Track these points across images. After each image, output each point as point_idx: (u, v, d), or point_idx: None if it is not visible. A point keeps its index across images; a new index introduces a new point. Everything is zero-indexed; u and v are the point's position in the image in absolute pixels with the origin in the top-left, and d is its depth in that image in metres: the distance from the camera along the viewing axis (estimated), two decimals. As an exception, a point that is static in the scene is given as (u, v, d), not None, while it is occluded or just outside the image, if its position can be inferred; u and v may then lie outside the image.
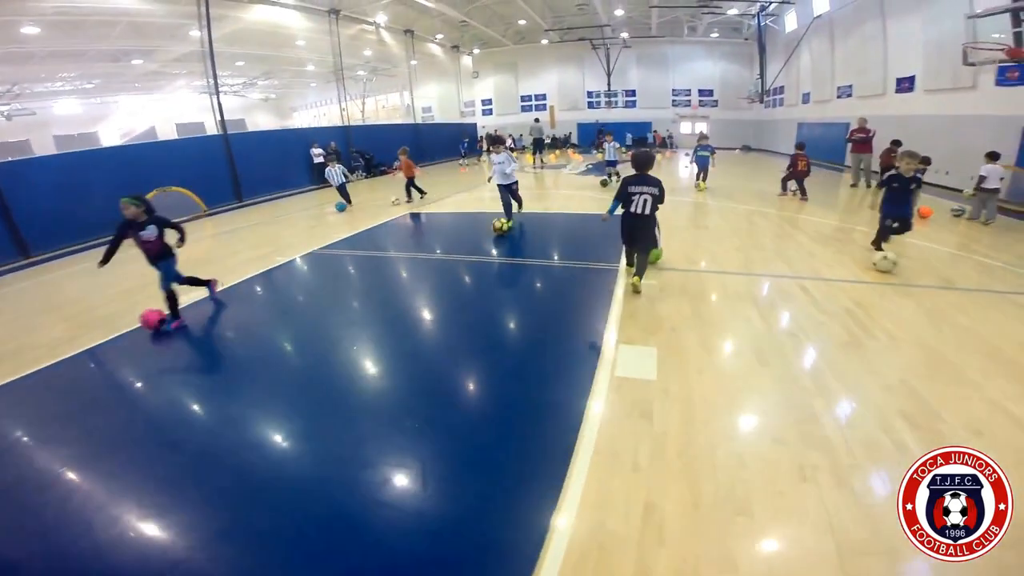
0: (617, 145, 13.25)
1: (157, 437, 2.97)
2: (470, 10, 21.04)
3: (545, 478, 2.38)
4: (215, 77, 12.56)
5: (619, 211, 4.72)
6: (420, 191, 11.47)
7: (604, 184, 12.36)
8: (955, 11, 10.19)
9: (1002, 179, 7.55)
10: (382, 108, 31.06)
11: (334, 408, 3.17)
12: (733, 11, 21.46)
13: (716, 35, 25.51)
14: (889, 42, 13.70)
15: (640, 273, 4.76)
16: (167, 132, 27.42)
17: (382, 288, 5.78)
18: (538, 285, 5.46)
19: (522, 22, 24.03)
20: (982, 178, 7.42)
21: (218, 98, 12.76)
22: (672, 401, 3.01)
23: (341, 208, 10.65)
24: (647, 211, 4.50)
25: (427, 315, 4.81)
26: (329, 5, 16.27)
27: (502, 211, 7.75)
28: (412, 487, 2.42)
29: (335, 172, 10.87)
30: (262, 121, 33.57)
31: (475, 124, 28.57)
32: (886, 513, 2.08)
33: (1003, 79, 9.60)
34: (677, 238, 6.95)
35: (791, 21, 20.29)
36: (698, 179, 11.81)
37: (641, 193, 4.49)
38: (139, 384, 3.74)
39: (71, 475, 2.66)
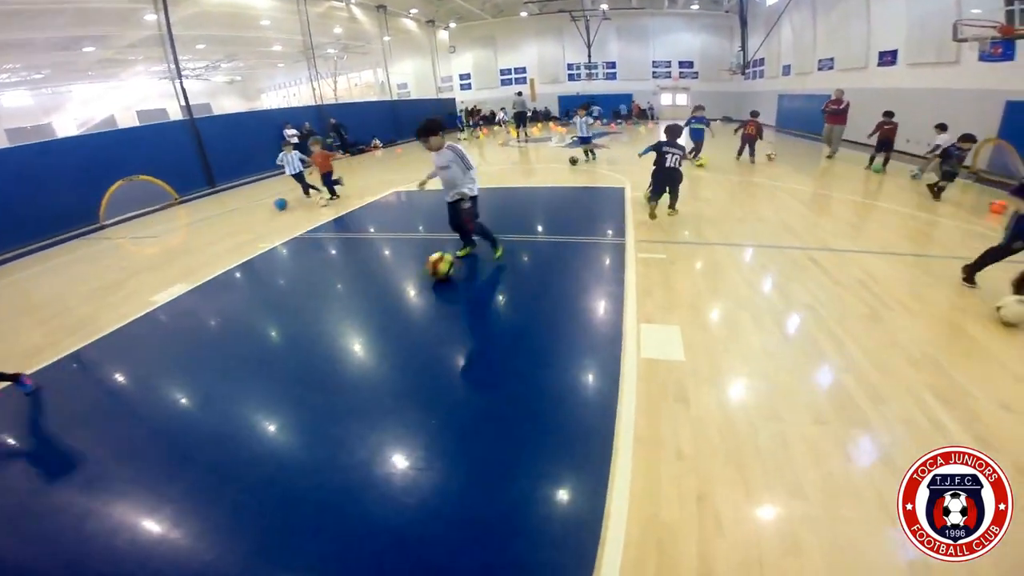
0: (591, 120, 11.97)
1: (162, 446, 2.77)
2: (445, -18, 20.27)
3: (590, 471, 2.28)
4: (176, 62, 11.87)
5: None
6: (332, 190, 9.20)
7: (573, 163, 11.18)
8: None
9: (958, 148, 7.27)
10: (355, 86, 30.08)
11: (361, 404, 2.99)
12: (713, -18, 21.18)
13: (696, 7, 25.26)
14: (872, 16, 13.74)
15: (673, 204, 6.63)
16: (128, 120, 26.07)
17: (378, 274, 5.52)
18: (546, 263, 5.28)
19: (499, -6, 23.32)
20: (937, 147, 8.25)
21: (181, 83, 12.07)
22: (704, 382, 2.93)
23: (281, 206, 8.85)
24: (679, 165, 6.29)
25: (434, 301, 4.59)
26: (296, -20, 15.44)
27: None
28: (453, 487, 2.29)
29: (291, 159, 9.25)
30: (228, 104, 32.14)
31: (454, 100, 27.94)
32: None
33: (987, 54, 9.71)
34: (681, 212, 6.81)
35: (773, -8, 20.11)
36: (691, 155, 10.73)
37: (673, 153, 6.23)
38: (132, 387, 3.49)
39: (83, 486, 2.45)
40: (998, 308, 3.47)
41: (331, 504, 2.23)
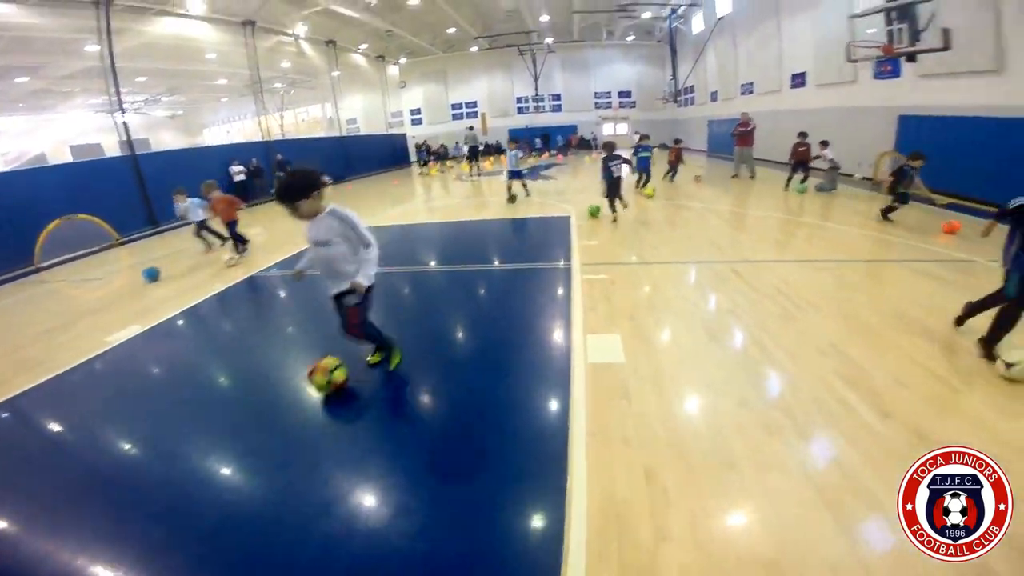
0: (521, 154, 11.21)
1: (114, 487, 2.78)
2: (396, 19, 20.82)
3: (551, 462, 2.52)
4: (119, 95, 11.63)
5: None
6: (239, 242, 7.85)
7: (512, 200, 10.49)
8: (839, 11, 11.28)
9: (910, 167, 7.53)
10: (302, 121, 29.98)
11: (333, 434, 3.10)
12: (647, 14, 22.87)
13: (632, 38, 27.08)
14: (783, 41, 14.89)
15: (615, 209, 8.15)
16: (60, 155, 24.76)
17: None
18: (502, 289, 5.59)
19: (451, 30, 24.17)
20: (831, 161, 9.99)
21: (123, 117, 11.83)
22: (643, 380, 3.26)
23: (152, 276, 6.86)
24: (622, 174, 7.85)
25: (396, 335, 4.77)
26: (244, 16, 15.52)
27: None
28: (429, 487, 2.46)
29: (191, 207, 8.08)
30: (168, 139, 31.14)
31: (404, 135, 28.29)
32: (850, 460, 2.42)
33: (879, 73, 10.99)
34: (619, 235, 7.36)
35: (698, 23, 21.76)
36: (639, 184, 11.01)
37: (617, 164, 7.86)
38: (85, 430, 3.44)
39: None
40: (1008, 365, 2.89)
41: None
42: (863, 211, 8.10)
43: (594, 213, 8.56)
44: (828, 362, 3.36)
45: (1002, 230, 3.21)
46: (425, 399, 3.37)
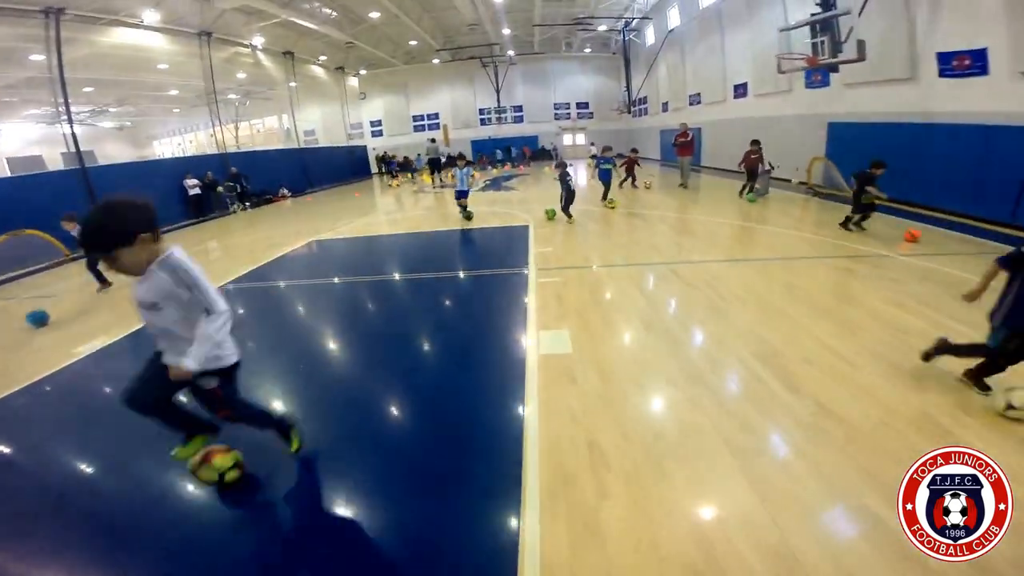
0: (472, 173, 10.63)
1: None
2: (357, 32, 20.86)
3: (508, 436, 2.87)
4: (68, 106, 11.34)
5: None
6: (100, 279, 7.12)
7: (468, 219, 9.96)
8: (774, 24, 12.03)
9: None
10: (258, 132, 29.40)
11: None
12: (603, 27, 23.72)
13: (589, 50, 27.95)
14: (727, 53, 15.72)
15: (570, 214, 9.14)
16: (-3, 169, 23.49)
17: (300, 321, 5.76)
18: (465, 294, 5.93)
19: (413, 43, 24.36)
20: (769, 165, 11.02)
21: (72, 128, 11.51)
22: (588, 366, 3.65)
23: (39, 320, 5.78)
24: (574, 183, 9.03)
25: (370, 338, 5.02)
26: (199, 27, 15.33)
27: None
28: (409, 450, 2.73)
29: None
30: (115, 151, 29.89)
31: (365, 147, 28.19)
32: (758, 423, 2.85)
33: (811, 83, 11.88)
34: (572, 242, 7.80)
35: (650, 36, 22.69)
36: (604, 198, 10.73)
37: (568, 175, 8.89)
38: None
39: None
40: (1008, 407, 2.64)
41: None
42: (796, 215, 8.85)
43: (551, 216, 9.59)
44: (745, 343, 3.83)
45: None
46: (396, 390, 3.63)
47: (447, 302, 5.67)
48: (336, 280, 6.87)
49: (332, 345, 4.66)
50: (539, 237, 8.23)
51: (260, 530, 2.42)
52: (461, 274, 6.65)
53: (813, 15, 9.88)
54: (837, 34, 9.51)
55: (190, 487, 2.65)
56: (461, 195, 10.08)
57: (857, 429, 2.71)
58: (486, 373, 3.76)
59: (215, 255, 9.28)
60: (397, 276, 6.90)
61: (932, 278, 5.08)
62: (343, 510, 2.46)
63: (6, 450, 3.26)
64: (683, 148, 13.22)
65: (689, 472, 2.49)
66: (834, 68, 10.25)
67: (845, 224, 7.27)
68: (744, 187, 10.88)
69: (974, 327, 3.49)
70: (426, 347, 4.46)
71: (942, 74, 8.27)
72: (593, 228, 8.88)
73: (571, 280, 5.81)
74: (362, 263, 7.90)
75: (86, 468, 3.00)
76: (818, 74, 11.37)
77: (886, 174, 6.93)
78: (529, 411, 3.11)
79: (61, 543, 2.34)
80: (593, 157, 12.33)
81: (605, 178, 10.77)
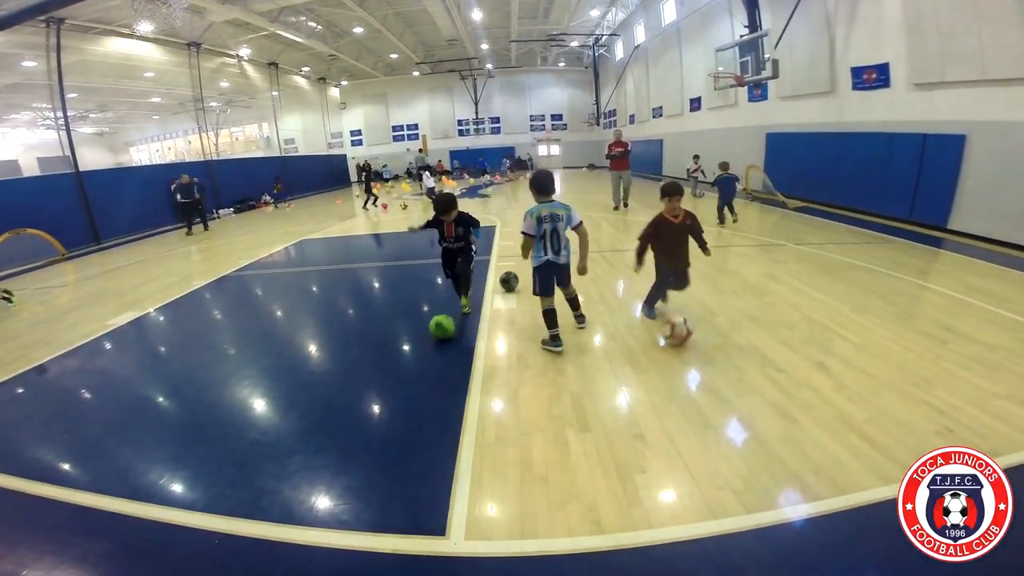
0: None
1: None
2: (340, 45, 21.67)
3: (460, 382, 3.53)
4: (65, 112, 11.94)
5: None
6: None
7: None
8: (722, 42, 12.83)
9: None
10: (237, 140, 29.69)
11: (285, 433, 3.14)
12: (575, 43, 25.02)
13: (563, 64, 29.23)
14: (684, 68, 16.70)
15: None
16: (-27, 174, 23.35)
17: (252, 320, 6.38)
18: (434, 276, 6.56)
19: (394, 56, 25.22)
20: (695, 170, 12.38)
21: (69, 134, 12.10)
22: (525, 316, 4.67)
23: None
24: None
25: (342, 323, 5.86)
26: (189, 38, 16.04)
27: None
28: (371, 418, 3.63)
29: None
30: (92, 157, 29.76)
31: (344, 155, 28.74)
32: (655, 363, 3.86)
33: (752, 97, 12.93)
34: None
35: (620, 51, 23.89)
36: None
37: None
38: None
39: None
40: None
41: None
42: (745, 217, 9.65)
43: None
44: (684, 311, 4.47)
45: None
46: (362, 363, 4.49)
47: (417, 286, 6.57)
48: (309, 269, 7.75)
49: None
50: (503, 234, 9.06)
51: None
52: (432, 262, 7.49)
53: (741, 36, 11.02)
54: (761, 53, 10.68)
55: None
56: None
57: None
58: (455, 314, 4.64)
59: (197, 256, 9.91)
60: (369, 264, 7.78)
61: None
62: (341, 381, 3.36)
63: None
64: (617, 161, 10.89)
65: (579, 390, 3.32)
66: (757, 85, 11.36)
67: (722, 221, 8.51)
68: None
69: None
70: (393, 317, 5.34)
71: (855, 87, 9.38)
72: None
73: (524, 265, 6.59)
74: (341, 256, 8.74)
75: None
76: (759, 89, 12.41)
77: (809, 178, 7.94)
78: (480, 344, 4.10)
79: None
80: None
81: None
